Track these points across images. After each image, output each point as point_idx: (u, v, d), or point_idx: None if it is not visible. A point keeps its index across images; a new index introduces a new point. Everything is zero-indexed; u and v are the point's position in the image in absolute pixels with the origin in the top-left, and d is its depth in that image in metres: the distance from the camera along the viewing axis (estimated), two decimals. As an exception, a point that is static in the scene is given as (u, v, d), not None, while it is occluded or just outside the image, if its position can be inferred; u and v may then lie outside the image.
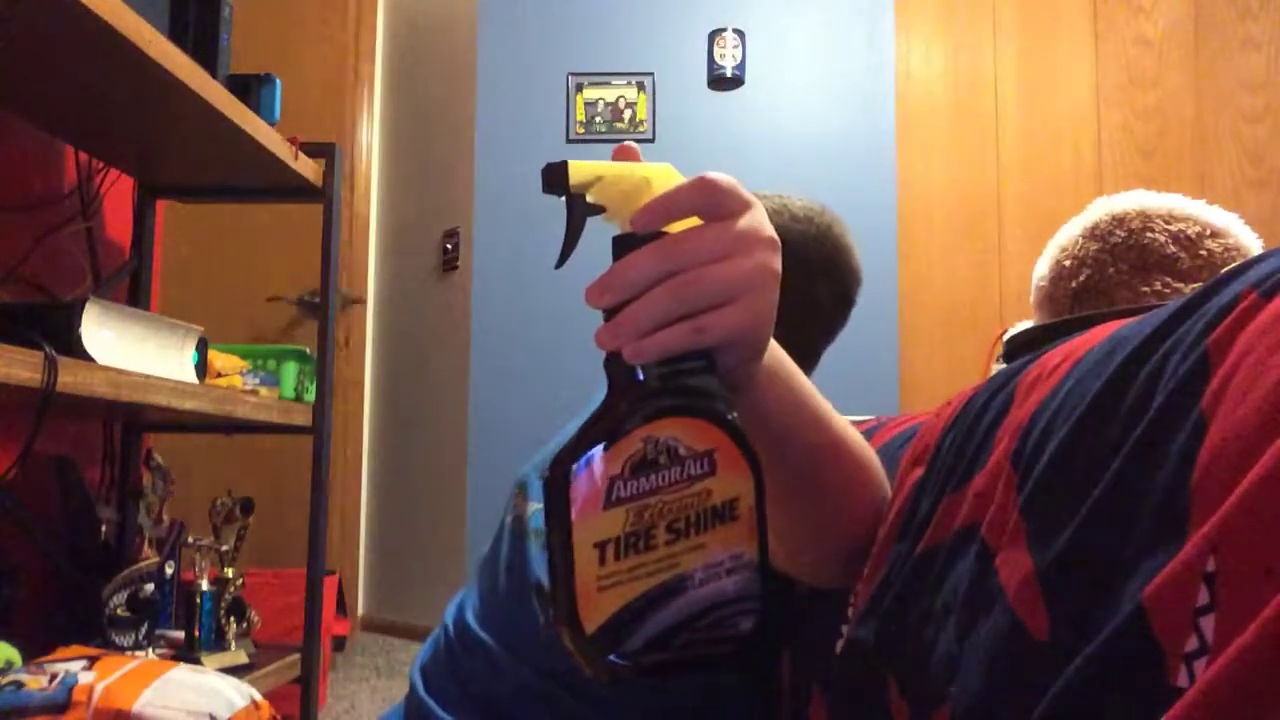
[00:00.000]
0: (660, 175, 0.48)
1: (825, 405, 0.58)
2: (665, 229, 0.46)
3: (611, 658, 0.42)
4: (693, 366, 0.45)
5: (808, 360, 0.98)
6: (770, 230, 0.48)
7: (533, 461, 1.01)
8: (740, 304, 0.45)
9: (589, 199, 0.48)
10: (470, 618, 0.92)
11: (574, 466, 0.43)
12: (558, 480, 0.43)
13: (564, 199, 0.48)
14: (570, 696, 0.83)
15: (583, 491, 0.42)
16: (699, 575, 0.43)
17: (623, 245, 0.46)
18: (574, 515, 0.42)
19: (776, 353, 0.54)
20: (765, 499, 0.45)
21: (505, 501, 1.01)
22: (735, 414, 0.45)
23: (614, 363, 0.45)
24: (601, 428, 0.44)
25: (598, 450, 0.43)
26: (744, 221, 0.46)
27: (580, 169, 0.47)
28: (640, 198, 0.47)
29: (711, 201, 0.46)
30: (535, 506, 0.93)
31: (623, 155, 0.50)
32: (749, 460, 0.45)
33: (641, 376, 0.45)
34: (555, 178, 0.47)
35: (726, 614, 0.44)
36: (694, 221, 0.47)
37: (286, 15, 3.21)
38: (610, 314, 0.46)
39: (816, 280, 0.97)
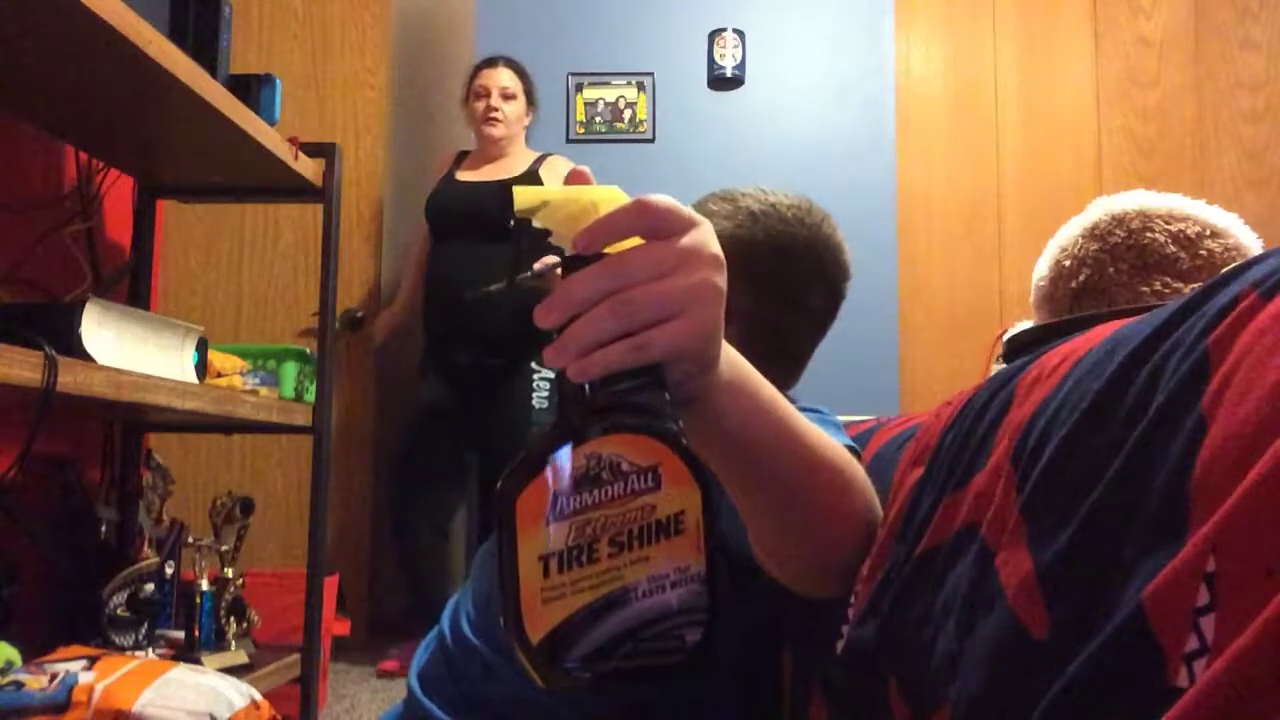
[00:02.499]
0: (607, 198, 0.49)
1: (795, 416, 0.58)
2: (612, 250, 0.47)
3: (564, 665, 0.43)
4: (639, 383, 0.46)
5: (800, 359, 0.98)
6: (715, 248, 0.48)
7: None
8: (681, 320, 0.46)
9: (536, 223, 0.49)
10: (465, 624, 0.92)
11: (520, 482, 0.44)
12: (505, 494, 0.44)
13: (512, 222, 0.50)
14: (564, 705, 0.83)
15: (529, 506, 0.44)
16: (643, 587, 0.44)
17: (570, 268, 0.47)
18: (519, 529, 0.43)
19: (737, 364, 0.55)
20: (714, 512, 0.45)
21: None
22: (680, 428, 0.46)
23: (563, 381, 0.46)
24: (546, 444, 0.45)
25: (545, 466, 0.44)
26: (686, 240, 0.47)
27: (524, 194, 0.49)
28: (586, 221, 0.48)
29: (650, 222, 0.47)
30: None
31: (576, 179, 0.51)
32: (695, 474, 0.45)
33: (589, 393, 0.46)
34: (506, 199, 0.50)
35: (671, 625, 0.44)
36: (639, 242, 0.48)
37: (283, 15, 3.21)
38: (559, 333, 0.47)
39: (811, 281, 0.96)
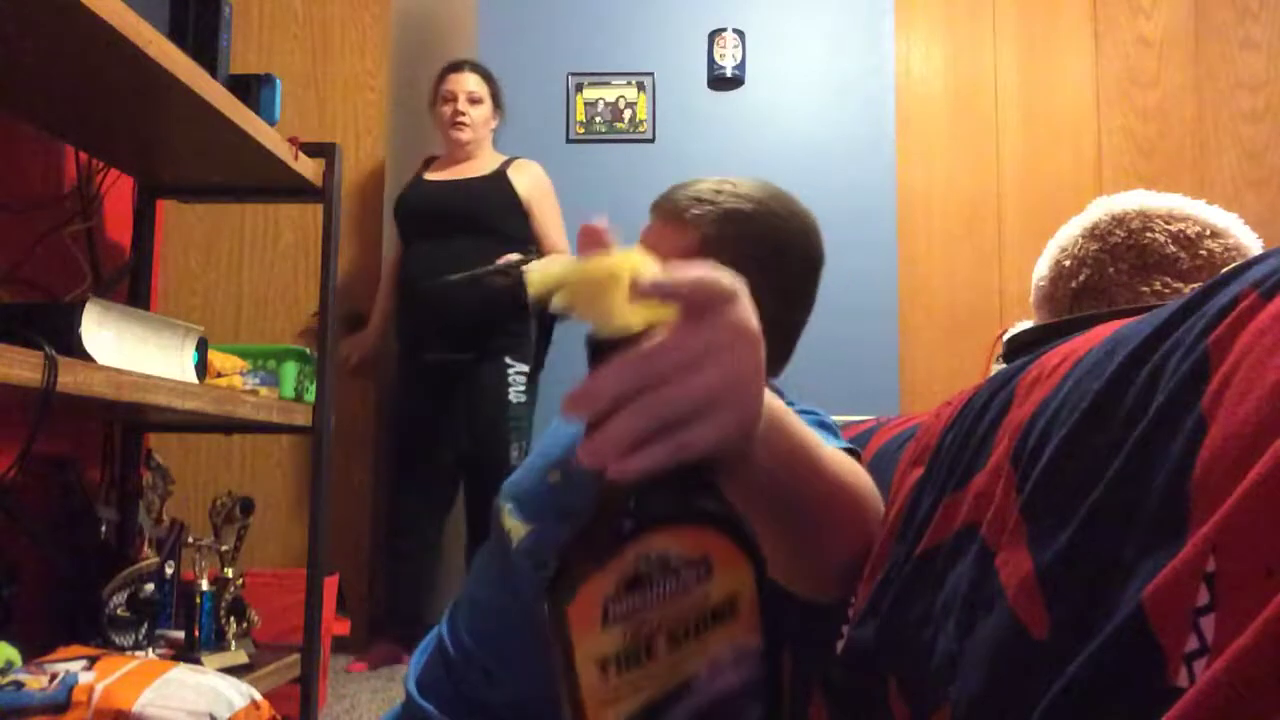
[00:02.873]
0: (627, 266, 0.45)
1: (821, 451, 0.57)
2: (636, 322, 0.44)
3: None
4: (685, 475, 0.44)
5: (794, 344, 0.98)
6: (752, 322, 0.45)
7: (511, 477, 1.01)
8: (723, 412, 0.43)
9: (556, 303, 0.46)
10: (464, 630, 0.92)
11: (570, 590, 0.42)
12: (557, 603, 0.42)
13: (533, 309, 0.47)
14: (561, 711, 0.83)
15: (582, 610, 0.42)
16: (704, 675, 0.43)
17: (595, 349, 0.45)
18: (573, 636, 0.42)
19: (772, 409, 0.51)
20: (765, 581, 0.44)
21: (492, 517, 1.01)
22: (725, 505, 0.44)
23: (603, 482, 0.44)
24: (592, 548, 0.43)
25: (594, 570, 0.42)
26: (724, 320, 0.44)
27: (538, 281, 0.46)
28: (607, 295, 0.44)
29: (696, 299, 0.43)
30: (514, 523, 0.93)
31: (588, 238, 0.47)
32: (747, 551, 0.44)
33: (628, 492, 0.44)
34: (519, 289, 0.47)
35: (735, 707, 0.44)
36: (668, 311, 0.44)
37: (283, 15, 3.21)
38: (589, 429, 0.44)
39: (818, 278, 0.97)
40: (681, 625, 0.43)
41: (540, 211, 2.82)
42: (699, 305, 0.43)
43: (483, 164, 2.89)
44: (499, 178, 2.84)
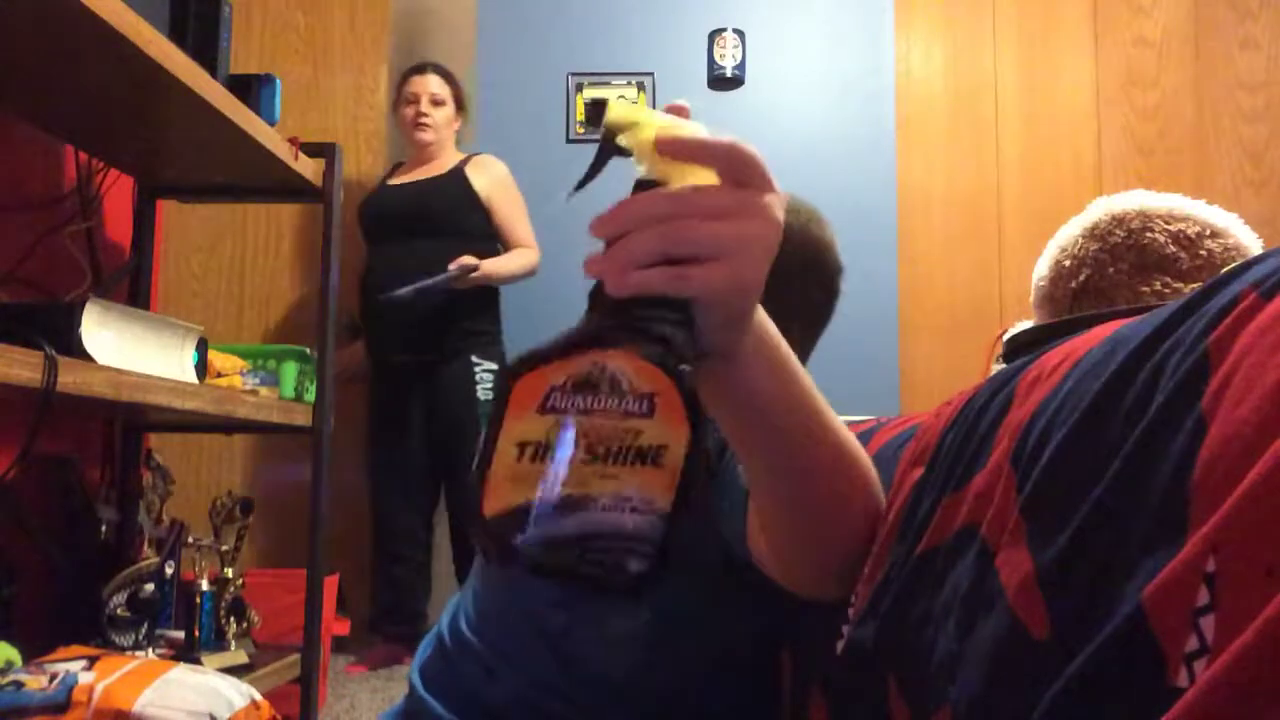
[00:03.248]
0: (694, 130, 0.50)
1: (818, 396, 0.59)
2: (680, 178, 0.48)
3: (516, 543, 0.44)
4: (671, 317, 0.46)
5: (804, 360, 0.98)
6: (781, 214, 0.49)
7: None
8: (726, 264, 0.46)
9: (621, 141, 0.50)
10: (464, 625, 0.92)
11: (526, 366, 0.45)
12: (509, 373, 0.45)
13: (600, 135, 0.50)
14: (562, 705, 0.83)
15: (525, 391, 0.45)
16: (604, 501, 0.45)
17: (640, 189, 0.49)
18: (509, 409, 0.44)
19: (768, 330, 0.55)
20: (697, 463, 0.46)
21: None
22: (690, 371, 0.46)
23: (598, 295, 0.47)
24: (560, 342, 0.45)
25: (553, 358, 0.45)
26: (758, 195, 0.48)
27: (618, 110, 0.49)
28: (650, 144, 0.49)
29: (733, 163, 0.47)
30: None
31: (675, 112, 0.51)
32: (690, 416, 0.45)
33: (617, 311, 0.47)
34: (594, 113, 0.50)
35: (618, 547, 0.45)
36: (710, 177, 0.48)
37: (283, 15, 3.21)
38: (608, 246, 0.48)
39: (810, 283, 0.98)
40: (604, 445, 0.45)
41: (500, 207, 2.82)
42: (746, 175, 0.47)
43: (444, 164, 2.91)
44: (456, 175, 2.85)
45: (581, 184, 0.53)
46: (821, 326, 1.01)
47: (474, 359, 2.71)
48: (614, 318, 0.46)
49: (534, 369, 0.45)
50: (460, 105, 2.97)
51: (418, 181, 2.89)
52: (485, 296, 2.77)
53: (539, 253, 2.82)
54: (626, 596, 0.46)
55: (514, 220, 2.83)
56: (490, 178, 2.85)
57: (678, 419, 0.45)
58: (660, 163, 0.49)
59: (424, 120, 2.87)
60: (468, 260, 2.66)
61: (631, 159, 0.50)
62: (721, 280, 0.46)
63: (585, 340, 0.45)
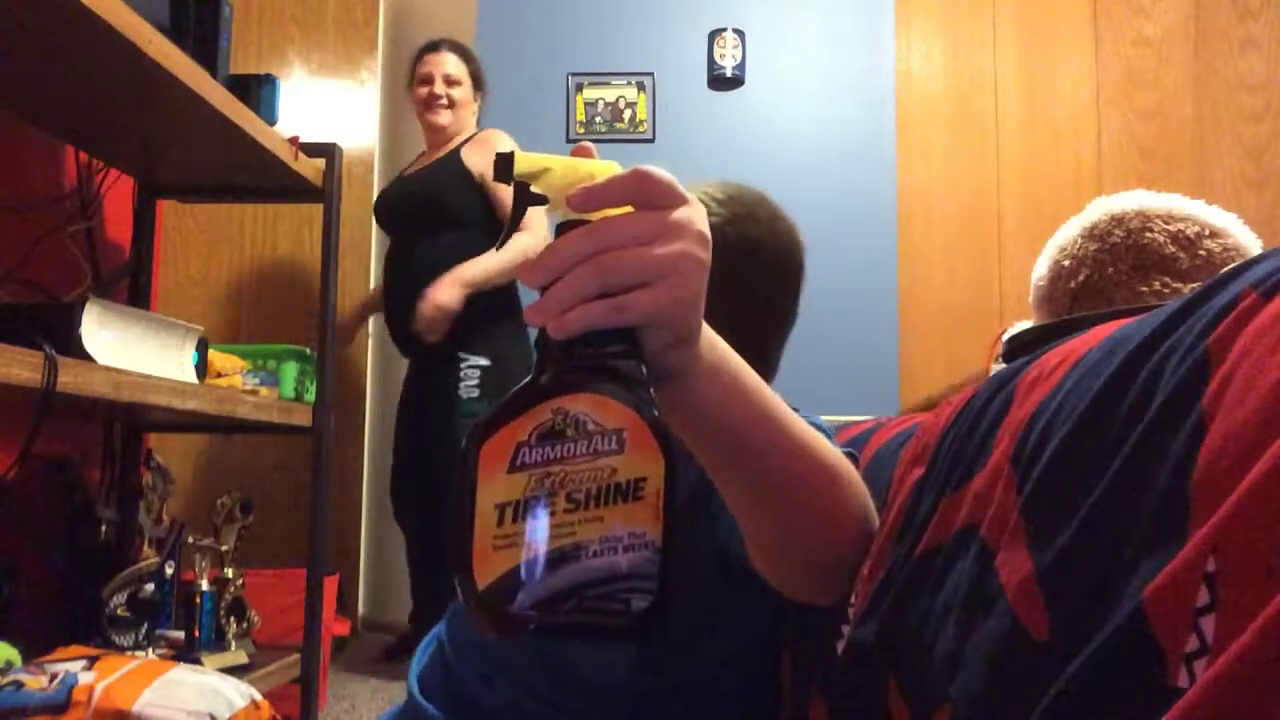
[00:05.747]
0: (607, 171, 0.50)
1: (780, 406, 0.58)
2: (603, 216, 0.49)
3: (513, 609, 0.44)
4: (618, 350, 0.47)
5: (772, 361, 0.97)
6: (703, 226, 0.49)
7: None
8: (661, 287, 0.47)
9: (535, 189, 0.50)
10: (461, 634, 0.91)
11: (488, 429, 0.45)
12: (472, 438, 0.45)
13: (511, 186, 0.50)
14: (559, 714, 0.83)
15: (493, 452, 0.44)
16: (594, 547, 0.44)
17: (560, 232, 0.49)
18: (479, 474, 0.44)
19: (718, 347, 0.55)
20: (675, 485, 0.46)
21: None
22: (651, 397, 0.46)
23: (544, 341, 0.48)
24: (518, 398, 0.46)
25: (514, 416, 0.45)
26: (676, 214, 0.48)
27: (526, 160, 0.50)
28: (566, 189, 0.49)
29: (644, 191, 0.48)
30: None
31: (579, 153, 0.52)
32: (661, 443, 0.45)
33: (567, 354, 0.47)
34: (502, 167, 0.50)
35: (618, 589, 0.44)
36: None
37: (283, 15, 3.21)
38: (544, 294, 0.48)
39: (795, 290, 0.97)
40: (583, 489, 0.45)
41: (496, 187, 2.56)
42: (660, 199, 0.48)
43: (453, 149, 2.72)
44: (452, 159, 2.66)
45: (506, 235, 0.55)
46: (787, 329, 0.99)
47: (461, 354, 2.57)
48: (565, 361, 0.46)
49: (496, 430, 0.45)
50: (479, 84, 2.79)
51: (421, 170, 2.74)
52: (480, 295, 2.55)
53: (539, 234, 2.49)
54: (635, 637, 0.46)
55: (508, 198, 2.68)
56: (484, 154, 2.60)
57: (649, 448, 0.45)
58: (570, 209, 0.49)
59: (439, 102, 2.69)
60: (429, 308, 2.47)
61: (547, 206, 0.51)
62: (661, 303, 0.47)
63: (542, 392, 0.45)
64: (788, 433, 0.58)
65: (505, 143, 2.66)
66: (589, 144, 0.52)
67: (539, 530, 0.44)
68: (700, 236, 0.49)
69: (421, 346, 2.59)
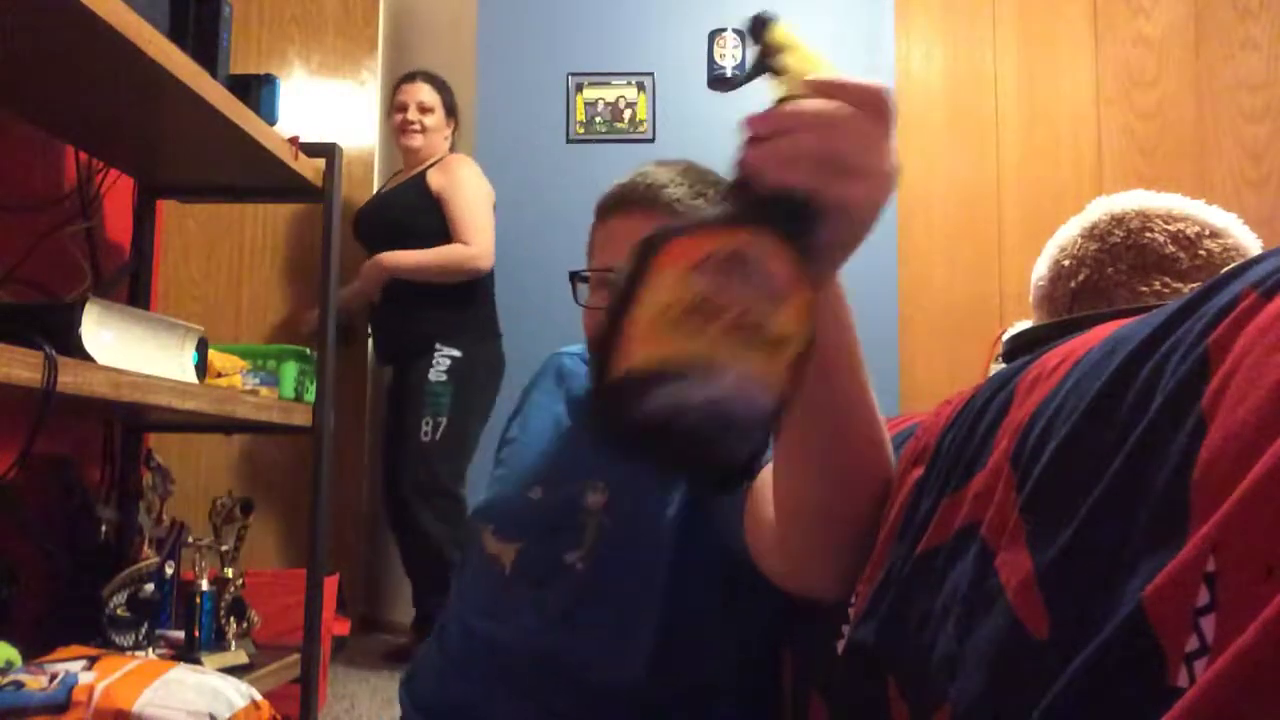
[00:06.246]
0: (820, 65, 0.53)
1: (861, 356, 0.62)
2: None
3: (642, 404, 0.44)
4: (807, 225, 0.48)
5: None
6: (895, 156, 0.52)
7: (480, 501, 1.00)
8: (872, 184, 0.50)
9: (781, 60, 0.53)
10: (454, 656, 0.91)
11: (683, 230, 0.46)
12: (667, 232, 0.46)
13: (759, 49, 0.53)
14: None
15: (676, 253, 0.45)
16: (727, 378, 0.45)
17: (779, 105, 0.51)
18: (653, 269, 0.45)
19: (840, 288, 0.59)
20: (808, 366, 0.47)
21: (468, 543, 0.99)
22: (816, 276, 0.48)
23: (741, 188, 0.49)
24: (714, 215, 0.47)
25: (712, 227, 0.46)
26: (891, 139, 0.51)
27: (781, 33, 0.53)
28: (801, 70, 0.52)
29: (878, 106, 0.50)
30: (500, 546, 0.92)
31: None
32: (810, 311, 0.47)
33: (761, 203, 0.48)
34: (757, 29, 0.53)
35: (733, 428, 0.46)
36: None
37: (283, 15, 3.21)
38: (743, 145, 0.50)
39: None
40: (742, 321, 0.45)
41: (448, 202, 2.76)
42: (886, 119, 0.51)
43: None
44: (418, 179, 2.85)
45: (735, 86, 0.58)
46: None
47: (436, 345, 2.72)
48: (752, 201, 0.48)
49: (692, 234, 0.46)
50: (450, 111, 2.98)
51: (394, 189, 2.94)
52: (452, 289, 2.74)
53: (479, 250, 2.72)
54: (721, 480, 0.47)
55: (457, 215, 2.75)
56: (445, 176, 2.81)
57: (802, 317, 0.47)
58: (803, 88, 0.51)
59: (411, 127, 2.90)
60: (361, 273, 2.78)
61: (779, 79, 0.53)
62: (870, 197, 0.50)
63: (744, 217, 0.47)
64: (859, 372, 0.62)
65: (469, 167, 2.87)
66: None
67: (690, 340, 0.45)
68: (895, 166, 0.52)
69: (400, 351, 2.80)
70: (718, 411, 0.45)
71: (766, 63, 0.53)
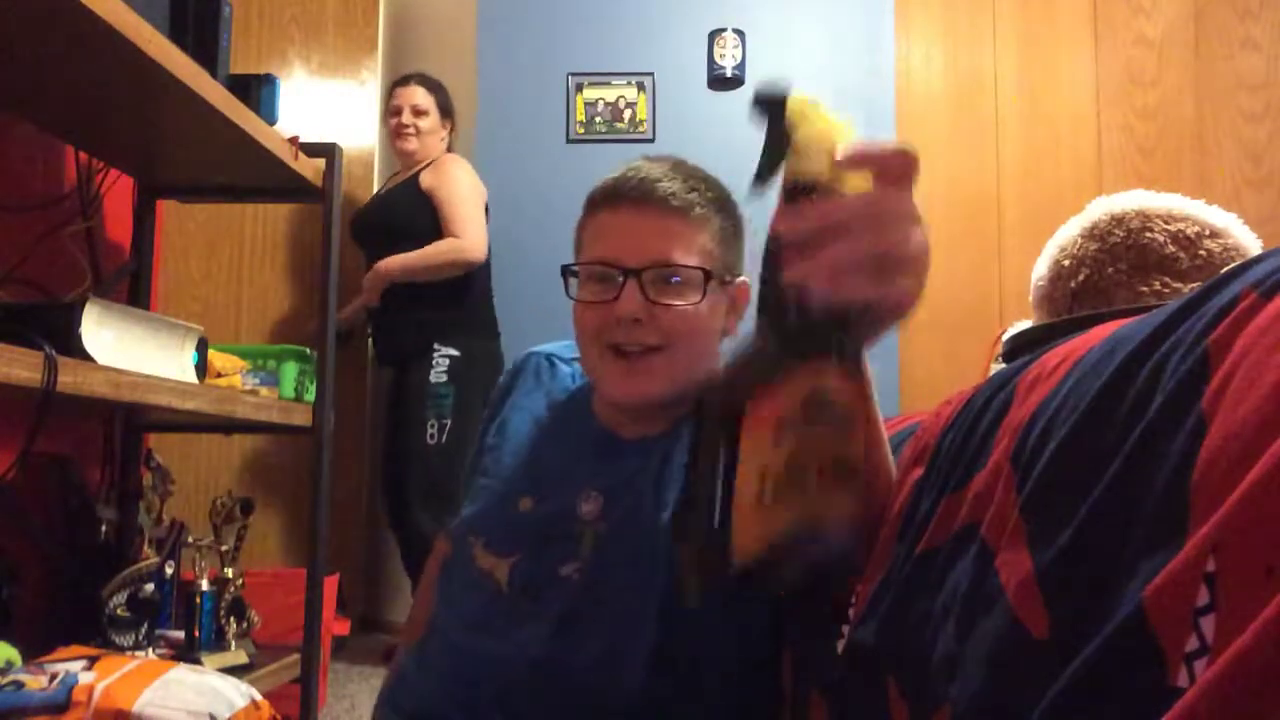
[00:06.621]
0: (841, 130, 0.50)
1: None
2: (830, 180, 0.48)
3: (758, 569, 0.44)
4: (853, 325, 0.47)
5: None
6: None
7: (466, 513, 0.98)
8: (915, 277, 0.47)
9: (793, 130, 0.50)
10: (441, 673, 0.90)
11: (753, 385, 0.44)
12: (739, 390, 0.44)
13: (768, 127, 0.49)
14: None
15: (756, 415, 0.44)
16: (830, 521, 0.45)
17: (797, 186, 0.48)
18: (742, 441, 0.44)
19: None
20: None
21: (457, 556, 0.97)
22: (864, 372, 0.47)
23: (779, 304, 0.46)
24: (770, 359, 0.45)
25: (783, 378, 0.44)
26: (910, 195, 0.48)
27: (797, 106, 0.49)
28: (828, 141, 0.48)
29: (905, 168, 0.47)
30: (491, 560, 0.91)
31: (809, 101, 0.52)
32: (868, 419, 0.47)
33: (807, 315, 0.46)
34: (774, 107, 0.48)
35: (831, 562, 0.46)
36: (864, 180, 0.47)
37: (283, 15, 3.21)
38: (780, 253, 0.46)
39: None
40: (829, 464, 0.44)
41: (439, 200, 2.77)
42: (896, 174, 0.47)
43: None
44: (412, 180, 2.86)
45: (760, 181, 0.52)
46: None
47: (435, 345, 2.73)
48: (808, 328, 0.46)
49: (756, 393, 0.44)
50: (446, 113, 2.98)
51: (389, 191, 2.95)
52: (448, 288, 2.75)
53: (469, 242, 2.72)
54: (816, 601, 0.47)
55: (448, 211, 2.75)
56: (437, 175, 2.82)
57: (862, 423, 0.47)
58: (819, 159, 0.48)
59: (405, 130, 2.91)
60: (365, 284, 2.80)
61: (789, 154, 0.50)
62: (915, 293, 0.47)
63: (804, 347, 0.44)
64: (879, 427, 0.62)
65: (459, 165, 2.88)
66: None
67: (794, 504, 0.44)
68: (927, 230, 0.49)
69: (401, 351, 2.81)
70: (820, 551, 0.45)
71: (784, 145, 0.49)
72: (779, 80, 0.48)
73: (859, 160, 0.47)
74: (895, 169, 0.47)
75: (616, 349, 0.89)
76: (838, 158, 0.47)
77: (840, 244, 0.45)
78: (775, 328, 0.46)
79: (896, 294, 0.46)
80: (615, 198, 0.91)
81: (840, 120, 0.49)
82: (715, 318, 0.92)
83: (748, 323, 0.98)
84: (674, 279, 0.88)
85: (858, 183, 0.48)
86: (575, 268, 0.92)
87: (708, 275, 0.89)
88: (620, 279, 0.88)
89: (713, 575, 0.44)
